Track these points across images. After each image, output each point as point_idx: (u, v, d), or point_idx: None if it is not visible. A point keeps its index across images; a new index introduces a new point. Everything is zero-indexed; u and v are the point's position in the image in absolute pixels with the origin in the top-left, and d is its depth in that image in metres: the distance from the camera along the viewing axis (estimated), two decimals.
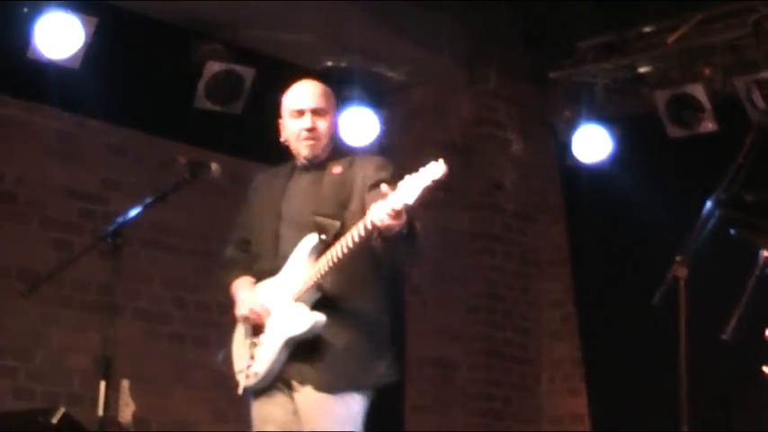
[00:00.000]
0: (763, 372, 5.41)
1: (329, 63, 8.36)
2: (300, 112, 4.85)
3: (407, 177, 4.21)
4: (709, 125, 8.11)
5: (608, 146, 8.60)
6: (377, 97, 8.53)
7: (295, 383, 4.66)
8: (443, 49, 8.81)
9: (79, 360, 7.27)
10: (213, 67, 7.72)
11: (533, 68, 9.05)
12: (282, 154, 8.20)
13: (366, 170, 4.72)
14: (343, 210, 4.65)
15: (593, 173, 8.69)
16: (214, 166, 5.45)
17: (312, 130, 4.79)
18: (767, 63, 7.81)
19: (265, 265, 4.80)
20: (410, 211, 4.26)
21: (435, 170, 4.19)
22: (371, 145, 8.43)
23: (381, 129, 8.43)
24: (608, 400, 8.57)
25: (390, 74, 8.74)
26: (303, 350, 4.58)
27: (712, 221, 5.12)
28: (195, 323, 8.00)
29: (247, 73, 7.80)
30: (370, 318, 4.67)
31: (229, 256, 5.09)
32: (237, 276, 4.93)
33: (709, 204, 5.15)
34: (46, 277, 5.99)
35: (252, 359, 4.72)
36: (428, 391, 8.82)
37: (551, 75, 8.87)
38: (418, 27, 8.49)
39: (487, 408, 8.97)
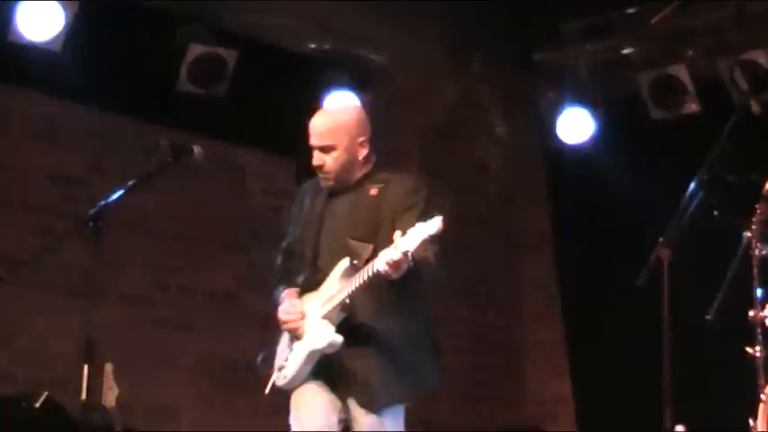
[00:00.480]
0: (746, 351, 5.43)
1: (312, 46, 8.33)
2: (312, 147, 5.00)
3: (416, 226, 4.51)
4: (692, 106, 8.13)
5: (591, 128, 8.61)
6: (360, 81, 8.51)
7: (341, 395, 4.95)
8: (427, 32, 8.80)
9: (62, 344, 7.24)
10: (196, 49, 7.69)
11: (517, 51, 9.04)
12: (265, 136, 8.22)
13: (399, 194, 4.90)
14: (376, 232, 4.82)
15: (577, 155, 8.69)
16: (197, 149, 5.43)
17: (320, 167, 4.98)
18: (749, 44, 7.82)
19: (305, 281, 5.03)
20: (415, 254, 4.55)
21: (433, 225, 4.49)
22: None
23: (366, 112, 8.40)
24: (592, 382, 8.60)
25: (374, 57, 8.72)
26: (342, 366, 4.87)
27: (696, 203, 5.13)
28: (178, 307, 7.98)
29: (230, 56, 7.77)
30: (398, 336, 4.88)
31: (278, 267, 5.25)
32: (285, 287, 5.12)
33: (692, 186, 5.16)
34: (28, 261, 5.98)
35: (285, 362, 4.97)
36: None
37: (535, 57, 8.86)
38: (402, 10, 8.47)
39: (471, 390, 8.98)
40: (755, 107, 5.43)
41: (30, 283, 7.20)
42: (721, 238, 5.62)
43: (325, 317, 4.83)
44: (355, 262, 4.81)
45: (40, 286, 7.35)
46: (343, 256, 4.86)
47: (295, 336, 4.96)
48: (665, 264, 4.99)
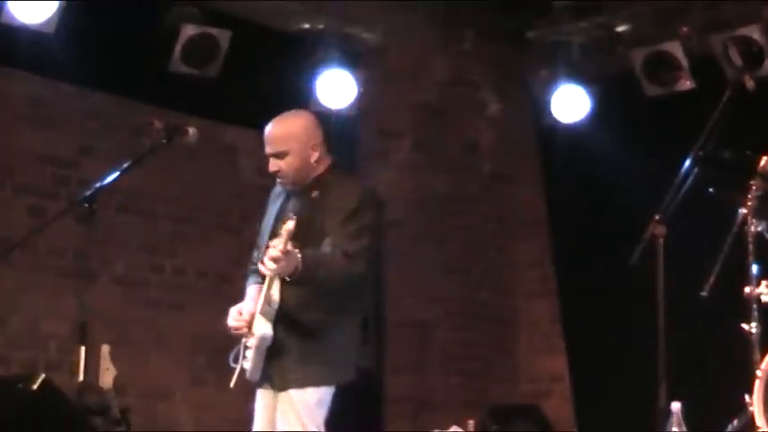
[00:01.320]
0: (741, 328, 5.45)
1: (305, 26, 8.31)
2: (268, 155, 5.23)
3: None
4: (686, 83, 8.11)
5: (585, 105, 8.59)
6: (353, 59, 8.50)
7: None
8: (418, 10, 8.78)
9: (56, 326, 7.24)
10: (188, 30, 7.66)
11: (509, 28, 9.00)
12: (258, 116, 8.21)
13: (335, 199, 5.15)
14: (306, 235, 5.01)
15: (571, 133, 8.68)
16: (191, 131, 5.43)
17: (276, 173, 5.23)
18: (743, 20, 7.80)
19: (260, 278, 5.22)
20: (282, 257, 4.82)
21: (288, 226, 4.81)
22: (349, 107, 8.40)
23: (358, 91, 8.40)
24: (587, 359, 8.61)
25: (366, 36, 8.70)
26: (273, 355, 5.10)
27: (690, 180, 5.13)
28: (172, 288, 7.98)
29: (223, 36, 7.75)
30: (321, 327, 5.09)
31: (251, 261, 5.46)
32: (251, 281, 5.37)
33: (687, 162, 5.16)
34: (20, 242, 5.96)
35: (244, 358, 5.18)
36: (407, 352, 8.84)
37: (528, 35, 8.83)
38: None
39: (466, 368, 8.99)
40: (749, 83, 5.43)
41: (22, 265, 7.19)
42: (716, 215, 5.63)
43: (260, 312, 5.07)
44: None
45: (32, 268, 7.34)
46: None
47: (245, 336, 5.16)
48: (660, 241, 4.99)
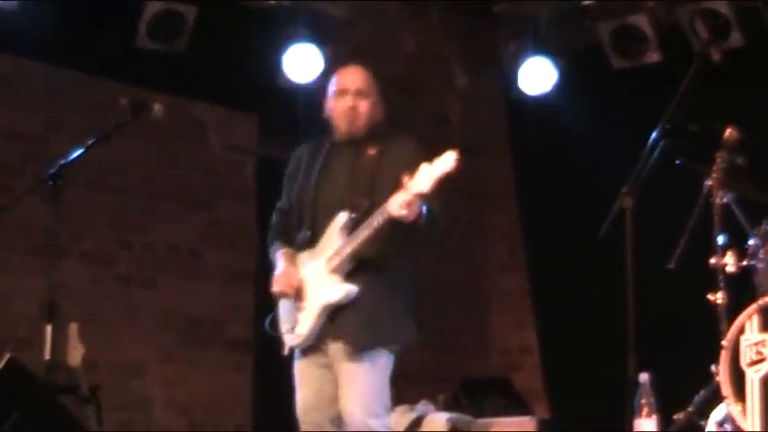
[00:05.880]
0: (707, 299, 5.48)
1: (271, 1, 8.27)
2: (344, 92, 5.24)
3: (421, 168, 4.77)
4: (653, 56, 8.14)
5: (553, 78, 8.59)
6: (320, 34, 8.46)
7: (329, 340, 5.09)
8: None
9: (25, 304, 7.19)
10: (154, 6, 7.62)
11: (477, 2, 8.99)
12: (225, 91, 8.19)
13: (402, 153, 5.15)
14: (374, 189, 5.05)
15: (539, 106, 8.68)
16: (156, 107, 5.43)
17: (353, 108, 5.21)
18: None
19: (303, 237, 5.21)
20: (428, 198, 4.82)
21: (446, 162, 4.80)
22: (316, 82, 8.37)
23: (325, 66, 8.36)
24: (556, 331, 8.64)
25: (333, 10, 8.66)
26: (339, 311, 5.04)
27: (658, 152, 5.14)
28: (142, 264, 7.95)
29: (189, 11, 7.71)
30: (398, 282, 5.11)
31: (274, 226, 5.43)
32: (279, 246, 5.31)
33: (654, 135, 5.17)
34: None
35: (296, 322, 5.14)
36: None
37: (495, 8, 8.82)
38: None
39: (437, 341, 9.01)
40: (715, 55, 5.45)
41: None
42: (683, 187, 5.66)
43: (333, 270, 5.03)
44: (353, 215, 5.01)
45: (1, 246, 7.30)
46: (340, 212, 5.06)
47: (297, 298, 5.13)
48: (628, 213, 5.01)
